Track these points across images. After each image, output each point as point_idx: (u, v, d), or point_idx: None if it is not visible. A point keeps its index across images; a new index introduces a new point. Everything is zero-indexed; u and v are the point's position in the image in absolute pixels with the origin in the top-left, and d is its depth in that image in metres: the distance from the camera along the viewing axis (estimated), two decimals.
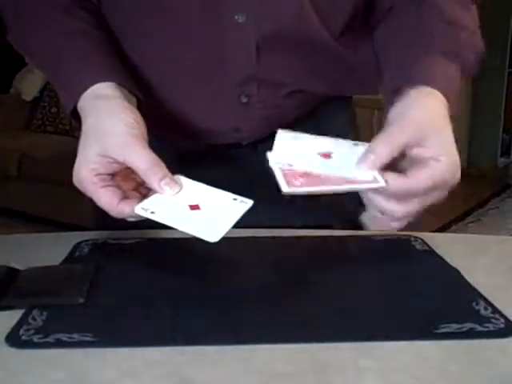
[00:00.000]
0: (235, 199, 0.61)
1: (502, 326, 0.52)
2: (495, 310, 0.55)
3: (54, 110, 3.83)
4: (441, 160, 0.58)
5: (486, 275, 0.64)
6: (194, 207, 0.60)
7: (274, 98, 0.79)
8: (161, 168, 0.61)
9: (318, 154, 0.60)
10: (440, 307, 0.56)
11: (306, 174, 0.56)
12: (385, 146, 0.58)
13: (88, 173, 0.61)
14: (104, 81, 0.67)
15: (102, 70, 0.69)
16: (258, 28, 0.72)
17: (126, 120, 0.62)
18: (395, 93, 0.65)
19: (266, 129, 0.81)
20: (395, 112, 0.62)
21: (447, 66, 0.68)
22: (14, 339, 0.50)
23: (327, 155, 0.60)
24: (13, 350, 0.49)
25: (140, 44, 0.77)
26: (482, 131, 4.87)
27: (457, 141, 0.62)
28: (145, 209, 0.60)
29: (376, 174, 0.56)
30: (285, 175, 0.56)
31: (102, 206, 0.61)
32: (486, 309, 0.55)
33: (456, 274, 0.64)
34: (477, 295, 0.58)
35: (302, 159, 0.59)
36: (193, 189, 0.62)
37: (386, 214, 0.59)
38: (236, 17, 0.71)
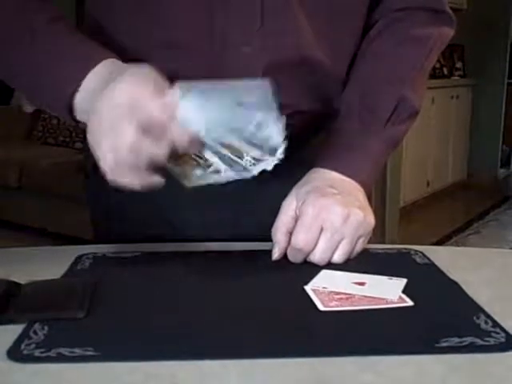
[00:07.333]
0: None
1: (503, 340, 0.52)
2: (496, 324, 0.55)
3: (54, 121, 3.84)
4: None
5: (486, 288, 0.64)
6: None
7: None
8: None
9: (353, 283, 0.65)
10: (441, 321, 0.56)
11: (339, 294, 0.62)
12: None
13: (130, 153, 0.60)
14: (111, 57, 0.67)
15: (101, 49, 0.69)
16: (264, 57, 0.74)
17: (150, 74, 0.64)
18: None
19: None
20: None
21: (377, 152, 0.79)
22: (16, 354, 0.50)
23: (361, 283, 0.65)
24: (14, 365, 0.49)
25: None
26: (482, 142, 4.88)
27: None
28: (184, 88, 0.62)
29: (403, 295, 0.61)
30: (319, 295, 0.61)
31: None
32: (486, 323, 0.55)
33: (456, 287, 0.64)
34: (477, 309, 0.58)
35: (337, 285, 0.64)
36: None
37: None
38: (243, 48, 0.74)
